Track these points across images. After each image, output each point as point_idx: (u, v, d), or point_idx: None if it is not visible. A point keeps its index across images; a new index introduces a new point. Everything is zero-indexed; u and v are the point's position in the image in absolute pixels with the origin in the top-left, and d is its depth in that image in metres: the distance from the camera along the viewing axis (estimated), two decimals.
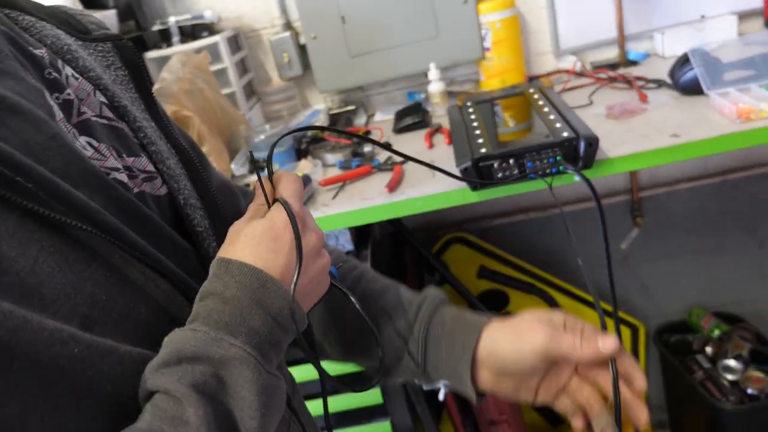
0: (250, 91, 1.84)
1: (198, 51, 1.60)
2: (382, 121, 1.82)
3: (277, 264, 0.49)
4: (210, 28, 1.71)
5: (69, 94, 0.51)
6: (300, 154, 1.58)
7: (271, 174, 0.56)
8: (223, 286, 0.46)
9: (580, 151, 1.11)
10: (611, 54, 1.86)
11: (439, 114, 1.71)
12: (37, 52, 0.52)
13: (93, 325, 0.42)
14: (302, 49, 1.83)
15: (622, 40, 1.80)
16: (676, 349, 2.02)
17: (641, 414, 0.60)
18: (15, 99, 0.44)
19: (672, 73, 1.46)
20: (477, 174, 1.13)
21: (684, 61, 1.42)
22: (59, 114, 0.49)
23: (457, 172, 1.22)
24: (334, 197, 1.31)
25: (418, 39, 1.74)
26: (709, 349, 1.94)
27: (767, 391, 1.80)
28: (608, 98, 1.52)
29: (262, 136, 1.52)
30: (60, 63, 0.53)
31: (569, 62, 1.86)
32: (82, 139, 0.50)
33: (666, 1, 1.80)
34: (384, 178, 1.34)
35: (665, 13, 1.81)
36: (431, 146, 1.48)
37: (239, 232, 0.50)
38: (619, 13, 1.78)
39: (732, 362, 1.86)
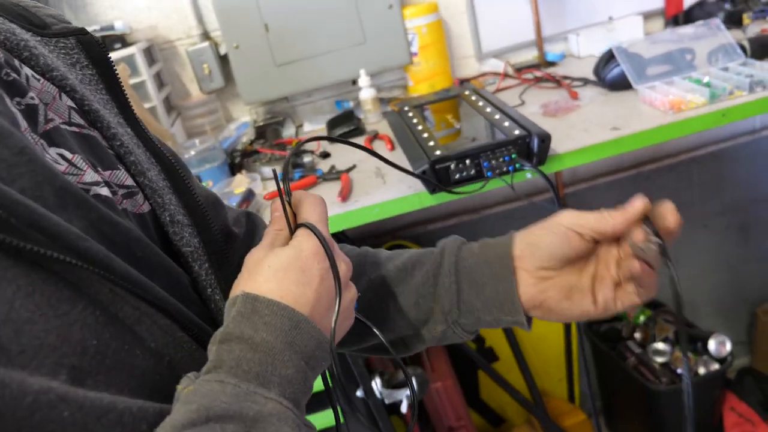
0: (168, 105, 1.72)
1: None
2: (312, 131, 1.76)
3: (306, 299, 0.44)
4: (122, 40, 1.58)
5: (32, 98, 0.44)
6: (234, 168, 1.49)
7: (289, 195, 0.50)
8: (252, 328, 0.41)
9: (533, 147, 1.12)
10: (530, 56, 1.92)
11: (372, 121, 1.68)
12: None
13: (84, 378, 0.35)
14: (223, 60, 1.74)
15: (540, 42, 1.86)
16: (606, 337, 2.10)
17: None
18: None
19: (597, 71, 1.52)
20: (435, 176, 1.11)
21: (608, 58, 1.48)
22: (23, 123, 0.42)
23: (409, 177, 1.20)
24: None
25: (345, 46, 1.71)
26: (637, 335, 2.03)
27: (695, 369, 1.91)
28: (538, 97, 1.56)
29: (193, 152, 1.43)
30: (17, 62, 0.46)
31: (491, 65, 1.89)
32: (53, 151, 0.43)
33: (577, 4, 1.88)
34: (331, 187, 1.29)
35: (577, 15, 1.90)
36: None
37: (261, 262, 0.45)
38: (536, 16, 1.84)
39: (660, 345, 1.95)
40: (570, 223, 0.55)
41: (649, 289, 0.55)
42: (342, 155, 1.49)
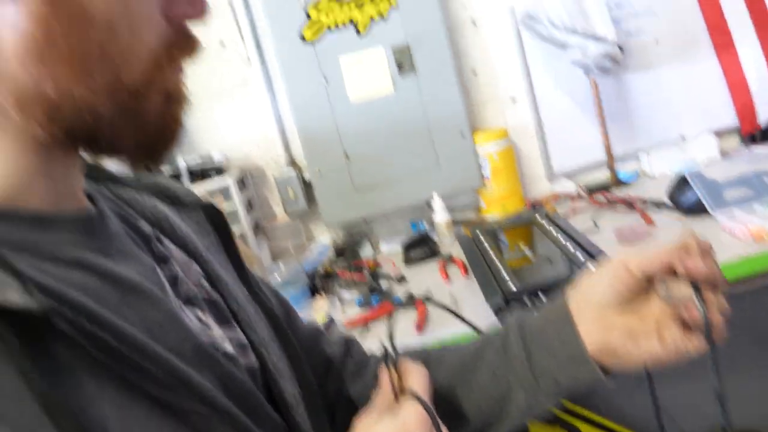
0: (256, 228, 1.85)
1: (210, 193, 1.62)
2: (388, 252, 1.84)
3: None
4: (219, 169, 1.74)
5: (174, 268, 0.52)
6: (314, 291, 1.57)
7: (395, 361, 0.54)
8: None
9: None
10: (602, 175, 1.94)
11: (446, 243, 1.74)
12: (141, 225, 0.53)
13: None
14: (306, 185, 1.87)
15: (611, 161, 1.89)
16: None
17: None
18: (138, 280, 0.44)
19: (672, 195, 1.53)
20: (509, 311, 1.13)
21: (682, 182, 1.49)
22: (169, 288, 0.49)
23: (485, 309, 1.23)
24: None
25: (420, 171, 1.80)
26: None
27: None
28: (612, 221, 1.57)
29: (277, 276, 1.52)
30: (161, 235, 0.54)
31: (563, 186, 1.93)
32: (189, 312, 0.50)
33: (648, 123, 1.92)
34: (408, 315, 1.33)
35: (648, 134, 1.92)
36: (447, 278, 1.49)
37: (370, 429, 0.48)
38: (606, 137, 1.88)
39: None
40: (618, 262, 0.56)
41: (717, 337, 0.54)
42: (418, 278, 1.54)
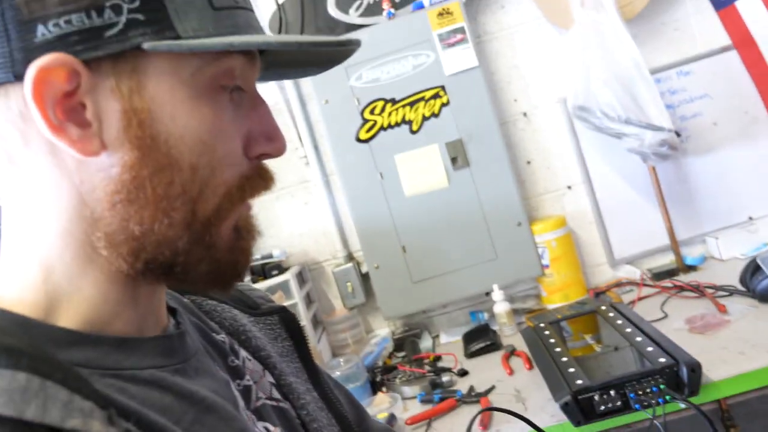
0: (315, 321, 1.86)
1: (271, 289, 1.66)
2: (448, 343, 1.81)
3: None
4: (279, 267, 1.79)
5: (248, 380, 0.54)
6: (375, 386, 1.55)
7: None
8: None
9: (683, 377, 1.07)
10: (666, 260, 1.88)
11: (508, 333, 1.70)
12: (219, 338, 0.55)
13: None
14: (364, 278, 1.89)
15: (675, 246, 1.84)
16: None
17: None
18: (212, 398, 0.46)
19: (744, 281, 1.46)
20: (578, 408, 1.09)
21: (754, 266, 1.43)
22: (241, 402, 0.51)
23: (552, 405, 1.18)
24: None
25: (478, 262, 1.80)
26: None
27: None
28: (682, 310, 1.51)
29: (337, 372, 1.51)
30: (236, 345, 0.56)
31: (626, 272, 1.88)
32: (260, 425, 0.51)
33: (713, 206, 1.86)
34: (471, 411, 1.29)
35: (713, 217, 1.87)
36: (511, 372, 1.44)
37: None
38: (668, 222, 1.84)
39: None
40: None
41: None
42: (480, 372, 1.50)
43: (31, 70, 0.38)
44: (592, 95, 1.61)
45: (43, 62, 0.38)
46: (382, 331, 1.94)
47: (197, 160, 0.42)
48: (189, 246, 0.43)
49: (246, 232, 0.47)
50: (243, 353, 0.56)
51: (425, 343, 1.83)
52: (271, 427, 0.52)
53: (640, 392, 1.08)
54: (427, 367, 1.60)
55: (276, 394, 0.56)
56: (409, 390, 1.48)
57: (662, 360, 1.10)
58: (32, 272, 0.42)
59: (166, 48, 0.40)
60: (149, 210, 0.41)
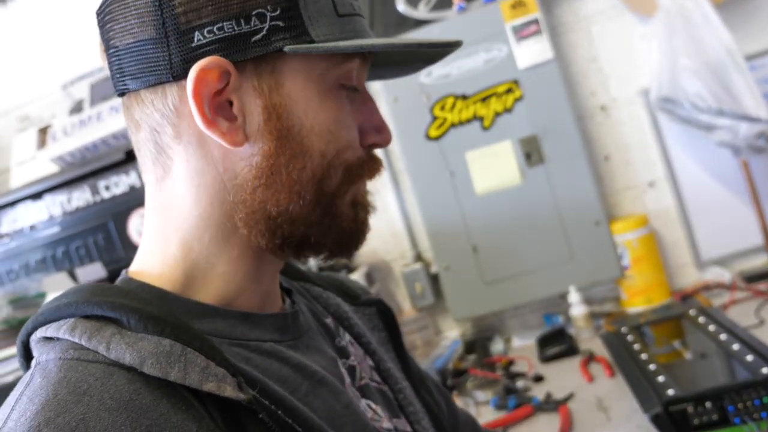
0: None
1: None
2: (521, 347, 1.74)
3: None
4: (347, 266, 1.78)
5: (352, 360, 0.58)
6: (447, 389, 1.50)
7: None
8: None
9: None
10: (759, 262, 1.75)
11: (585, 338, 1.62)
12: (327, 321, 0.60)
13: None
14: (433, 278, 1.85)
15: None
16: None
17: None
18: (322, 373, 0.51)
19: None
20: (669, 421, 1.01)
21: None
22: (347, 379, 0.55)
23: (638, 416, 1.11)
24: None
25: (553, 262, 1.72)
26: None
27: None
28: None
29: None
30: (341, 330, 0.61)
31: (714, 274, 1.77)
32: (363, 402, 0.55)
33: None
34: (548, 419, 1.23)
35: None
36: (591, 379, 1.37)
37: None
38: (762, 219, 1.71)
39: None
40: None
41: None
42: (557, 378, 1.43)
43: (193, 71, 0.43)
44: (678, 86, 1.51)
45: (203, 64, 0.44)
46: (452, 333, 1.90)
47: (325, 148, 0.48)
48: (319, 219, 0.49)
49: (363, 206, 0.54)
50: (347, 337, 0.60)
51: (497, 347, 1.77)
52: (373, 405, 0.56)
53: (740, 405, 0.99)
54: (500, 372, 1.55)
55: (376, 377, 0.60)
56: (482, 395, 1.43)
57: (765, 371, 1.01)
58: (172, 251, 0.48)
59: (305, 50, 0.45)
60: (284, 193, 0.47)
